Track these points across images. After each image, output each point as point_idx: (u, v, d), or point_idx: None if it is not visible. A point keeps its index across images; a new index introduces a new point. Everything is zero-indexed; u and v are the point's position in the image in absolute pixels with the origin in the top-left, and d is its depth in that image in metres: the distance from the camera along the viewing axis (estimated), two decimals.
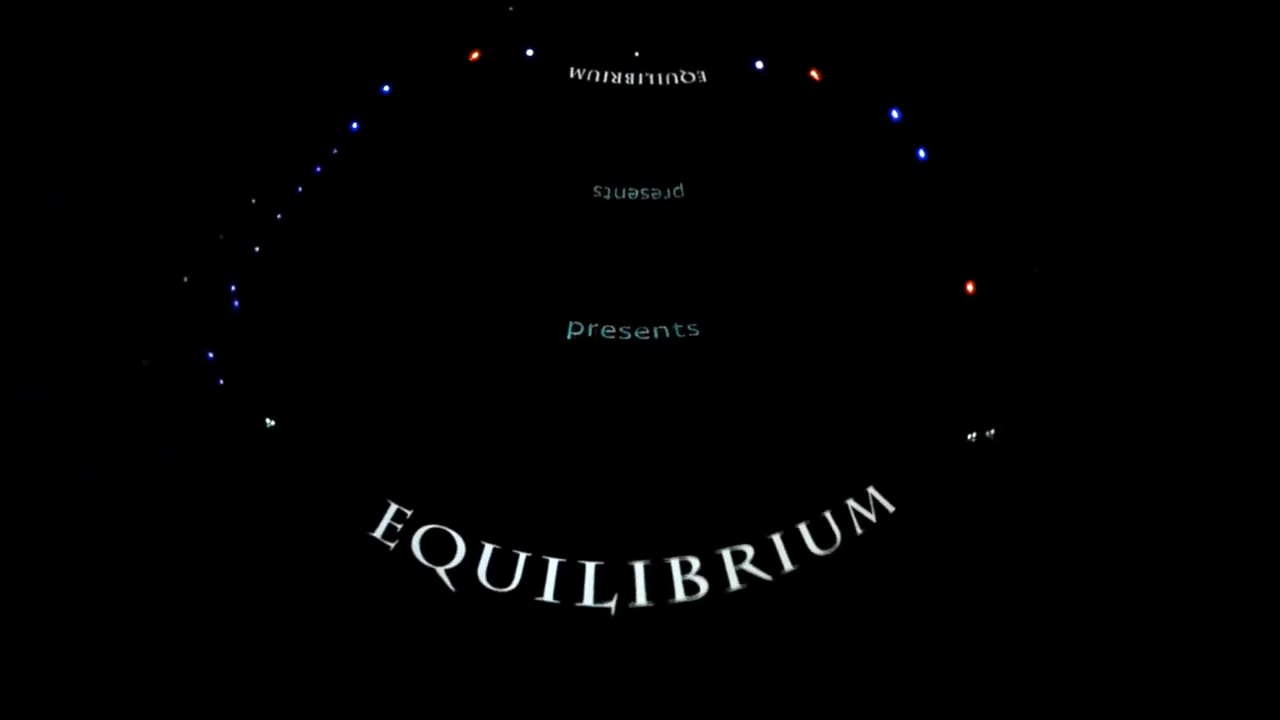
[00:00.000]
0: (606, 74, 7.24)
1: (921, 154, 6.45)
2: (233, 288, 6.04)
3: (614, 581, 3.67)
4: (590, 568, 3.72)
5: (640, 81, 7.13)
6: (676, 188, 6.74)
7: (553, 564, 3.74)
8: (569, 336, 5.28)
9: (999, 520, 5.27)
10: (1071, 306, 5.92)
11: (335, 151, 6.73)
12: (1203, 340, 5.73)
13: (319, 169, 6.63)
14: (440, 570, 3.80)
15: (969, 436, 5.42)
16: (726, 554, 3.71)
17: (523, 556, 3.80)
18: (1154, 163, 6.18)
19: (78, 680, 4.73)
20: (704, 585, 3.65)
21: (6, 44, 6.13)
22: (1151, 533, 5.28)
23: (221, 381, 5.75)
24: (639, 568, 3.75)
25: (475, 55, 7.25)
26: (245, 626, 4.94)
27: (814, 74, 7.06)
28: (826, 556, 3.90)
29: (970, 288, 5.94)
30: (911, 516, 4.68)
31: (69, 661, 4.78)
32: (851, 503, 4.28)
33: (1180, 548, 5.20)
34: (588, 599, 3.66)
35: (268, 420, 5.47)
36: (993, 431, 5.43)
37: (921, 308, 5.97)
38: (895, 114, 6.65)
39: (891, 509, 4.28)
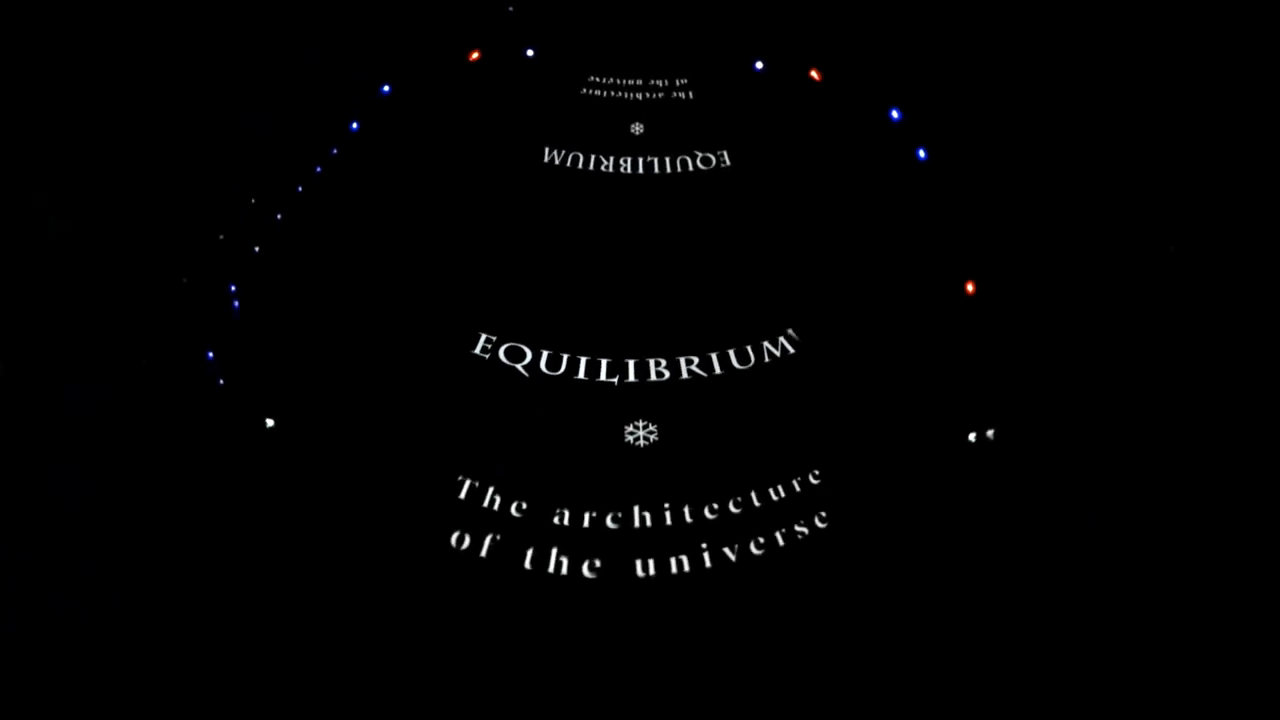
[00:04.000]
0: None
1: (921, 154, 6.46)
2: (233, 288, 6.02)
3: (617, 369, 5.96)
4: (604, 362, 5.99)
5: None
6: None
7: (583, 360, 5.99)
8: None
9: (997, 519, 5.28)
10: (1071, 307, 5.91)
11: (335, 152, 6.72)
12: (1202, 339, 5.71)
13: (319, 169, 6.61)
14: (519, 366, 5.93)
15: (969, 436, 5.58)
16: (682, 360, 5.99)
17: (565, 357, 6.01)
18: (1154, 162, 6.17)
19: (81, 680, 4.71)
20: (667, 374, 5.95)
21: (7, 44, 6.10)
22: (1149, 531, 5.28)
23: (222, 382, 5.75)
24: (631, 364, 6.00)
25: (475, 55, 7.25)
26: (246, 625, 4.99)
27: (814, 74, 7.06)
28: (744, 370, 5.99)
29: (970, 288, 5.94)
30: (910, 514, 5.32)
31: (73, 660, 4.76)
32: (766, 343, 6.18)
33: (1176, 546, 5.19)
34: (603, 377, 5.94)
35: (268, 420, 5.58)
36: (992, 432, 5.54)
37: (921, 307, 6.14)
38: (895, 114, 6.64)
39: (793, 350, 6.12)
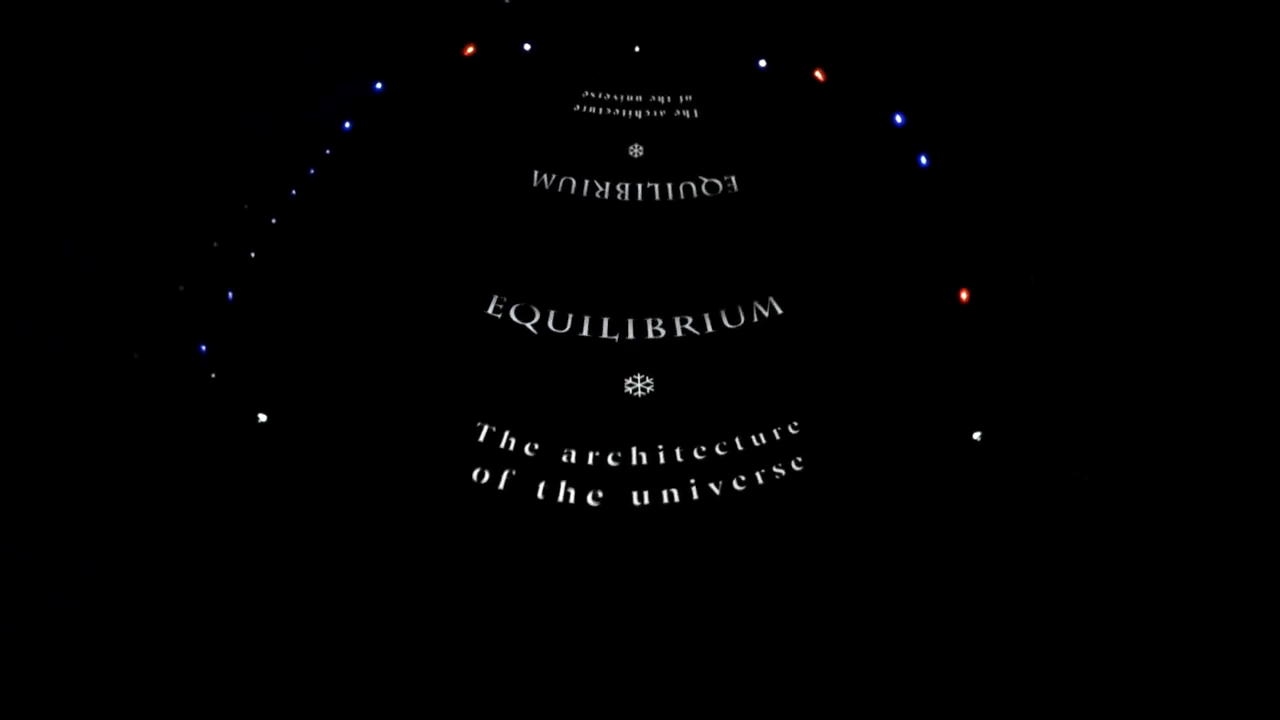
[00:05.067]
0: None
1: (923, 160, 6.52)
2: (230, 294, 6.15)
3: (618, 329, 6.50)
4: (606, 320, 6.51)
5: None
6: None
7: (586, 319, 6.53)
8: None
9: (989, 522, 5.34)
10: (1065, 315, 5.97)
11: (328, 152, 6.68)
12: (1200, 341, 5.77)
13: (312, 170, 6.59)
14: (528, 325, 6.48)
15: (963, 439, 5.80)
16: (677, 319, 6.52)
17: (570, 316, 6.53)
18: (1154, 170, 6.22)
19: (81, 680, 4.71)
20: (664, 332, 6.49)
21: (6, 44, 6.03)
22: (1149, 531, 5.33)
23: (214, 376, 5.85)
24: (630, 322, 6.53)
25: (470, 50, 7.16)
26: (246, 621, 5.07)
27: (818, 74, 7.01)
28: (734, 330, 6.53)
29: (964, 295, 6.04)
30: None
31: (73, 660, 4.77)
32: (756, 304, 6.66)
33: (1176, 546, 5.25)
34: (604, 335, 6.47)
35: (260, 415, 5.75)
36: (979, 435, 5.79)
37: (914, 313, 6.36)
38: (899, 119, 6.65)
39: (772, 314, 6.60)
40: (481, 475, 5.74)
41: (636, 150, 7.24)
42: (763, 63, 7.21)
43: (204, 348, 5.81)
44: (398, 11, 6.97)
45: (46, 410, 5.33)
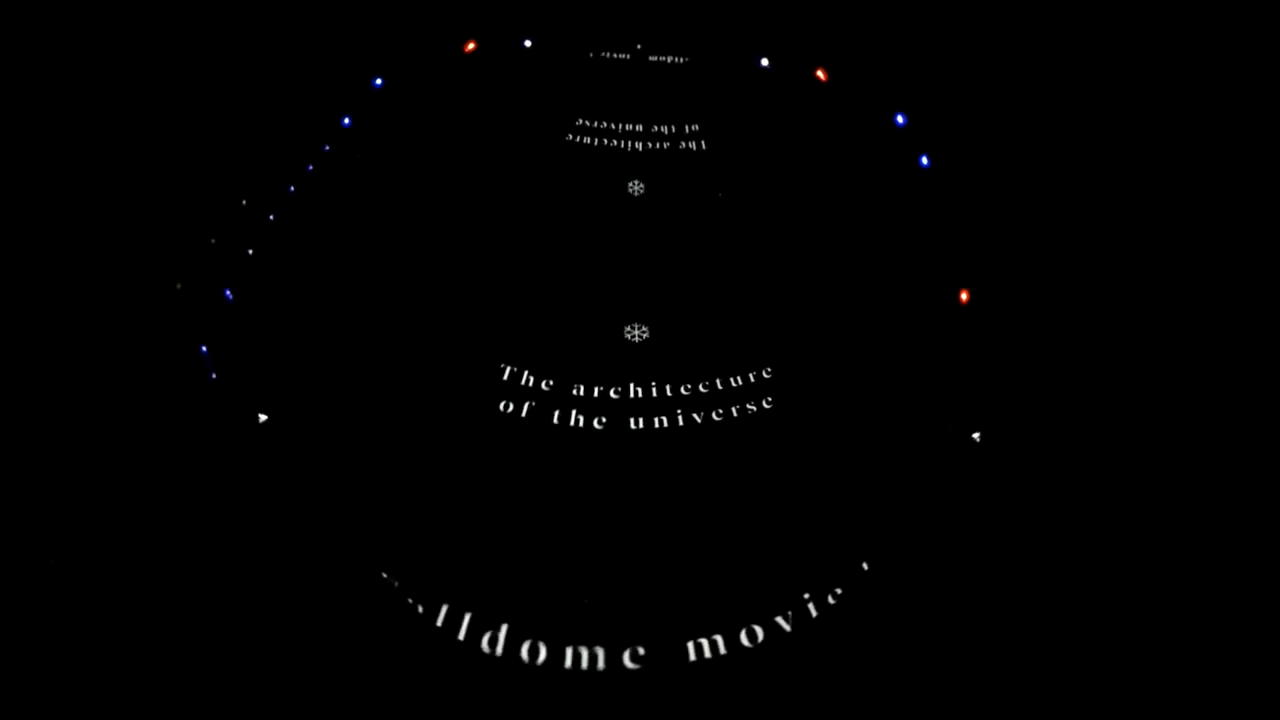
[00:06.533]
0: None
1: (924, 161, 6.58)
2: (227, 293, 6.07)
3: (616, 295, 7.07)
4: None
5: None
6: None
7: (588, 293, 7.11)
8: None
9: (988, 522, 5.37)
10: (1065, 315, 6.00)
11: (327, 149, 6.72)
12: (1201, 344, 5.80)
13: (310, 167, 6.63)
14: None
15: (963, 439, 5.84)
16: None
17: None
18: (1155, 171, 6.25)
19: (80, 679, 4.69)
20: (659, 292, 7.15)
21: (2, 46, 6.00)
22: (1143, 533, 5.36)
23: (215, 376, 5.81)
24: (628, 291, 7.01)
25: (471, 46, 7.18)
26: (246, 620, 5.01)
27: (820, 74, 7.06)
28: (721, 293, 7.29)
29: (964, 295, 6.14)
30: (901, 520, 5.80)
31: (73, 660, 4.73)
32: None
33: (1176, 547, 5.28)
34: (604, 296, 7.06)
35: (260, 415, 5.73)
36: (979, 435, 5.82)
37: (912, 315, 6.47)
38: (900, 119, 6.69)
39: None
40: (507, 406, 6.68)
41: (636, 188, 7.33)
42: (764, 62, 7.23)
43: (205, 348, 5.79)
44: (398, 7, 6.96)
45: (46, 410, 5.32)
